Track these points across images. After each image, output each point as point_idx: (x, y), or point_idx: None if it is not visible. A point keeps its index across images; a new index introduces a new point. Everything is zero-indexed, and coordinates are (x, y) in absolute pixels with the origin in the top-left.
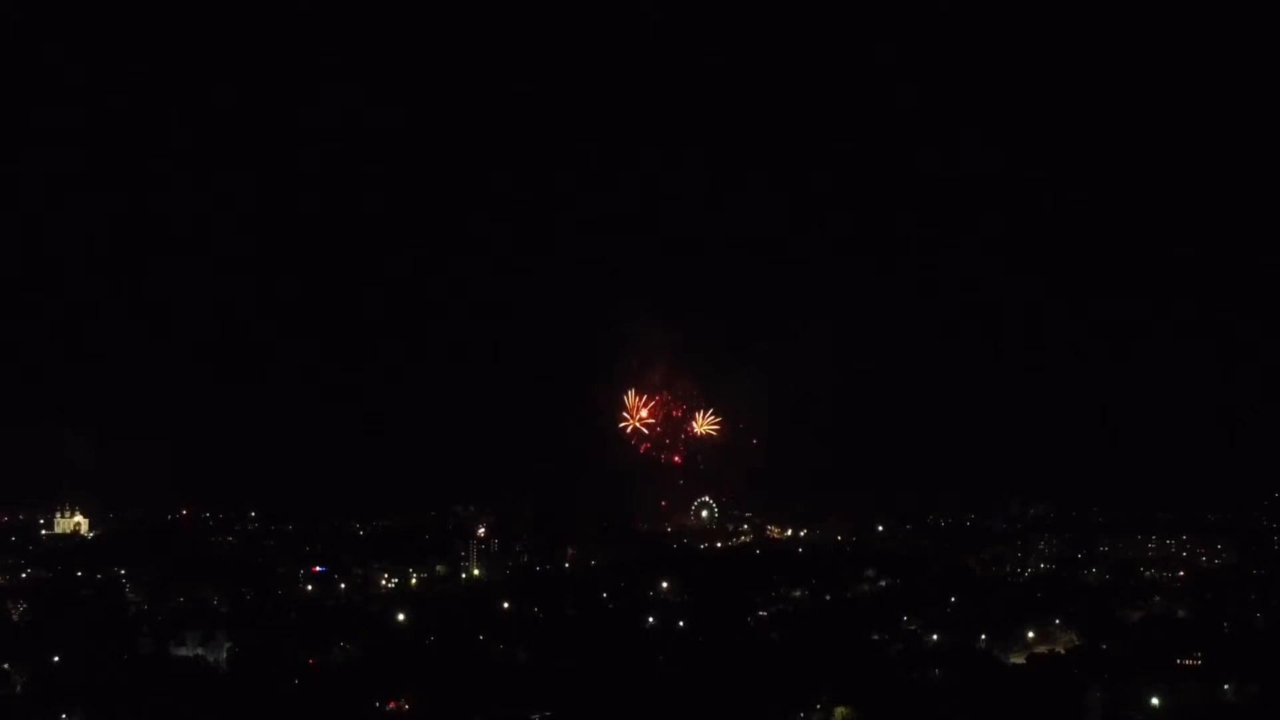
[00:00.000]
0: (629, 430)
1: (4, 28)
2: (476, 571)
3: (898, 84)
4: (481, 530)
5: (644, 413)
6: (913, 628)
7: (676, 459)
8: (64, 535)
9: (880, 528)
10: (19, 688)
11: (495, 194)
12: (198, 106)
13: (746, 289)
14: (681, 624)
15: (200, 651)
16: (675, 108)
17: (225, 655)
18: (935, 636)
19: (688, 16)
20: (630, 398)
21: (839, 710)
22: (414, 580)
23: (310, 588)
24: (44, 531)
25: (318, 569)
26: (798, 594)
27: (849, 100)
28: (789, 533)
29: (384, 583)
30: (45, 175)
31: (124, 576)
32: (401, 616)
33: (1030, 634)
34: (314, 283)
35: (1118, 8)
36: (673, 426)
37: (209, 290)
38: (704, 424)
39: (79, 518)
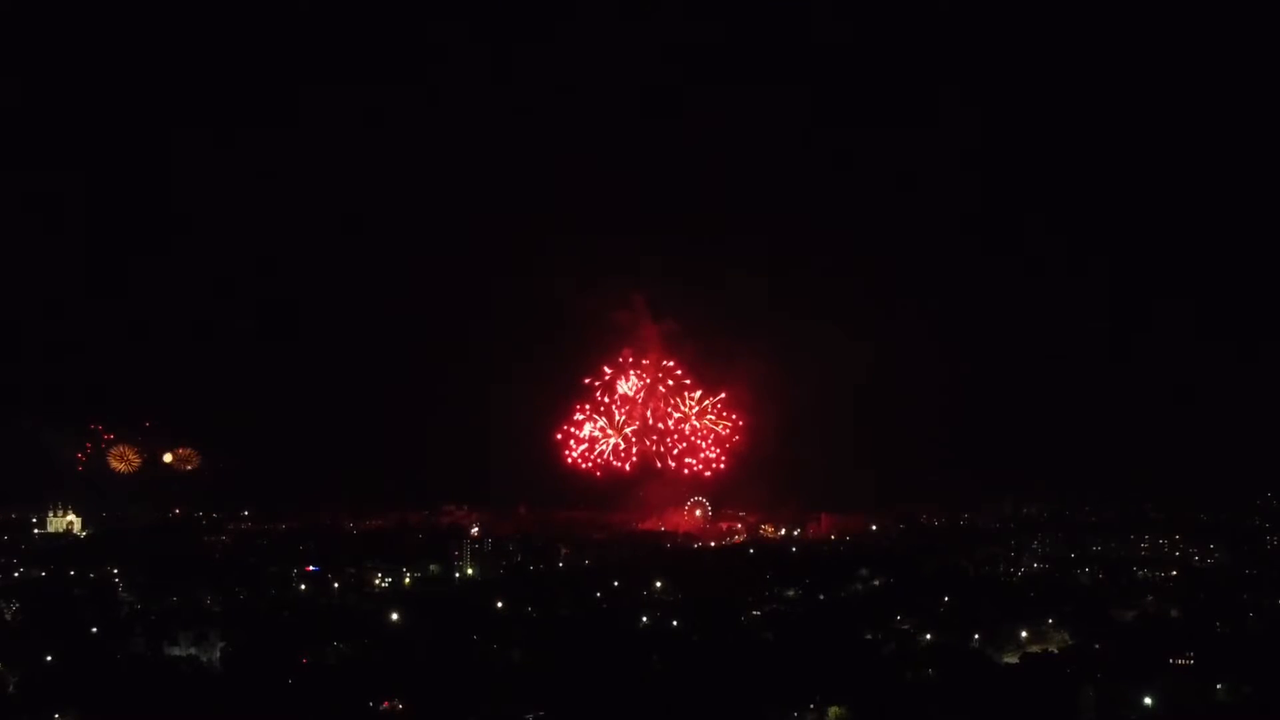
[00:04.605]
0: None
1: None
2: (470, 571)
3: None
4: (475, 530)
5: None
6: (906, 627)
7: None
8: (56, 534)
9: (874, 527)
10: (12, 687)
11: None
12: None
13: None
14: (675, 623)
15: (193, 651)
16: None
17: (218, 655)
18: (928, 636)
19: None
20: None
21: (832, 710)
22: (407, 580)
23: (303, 587)
24: (36, 530)
25: (311, 568)
26: (791, 593)
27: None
28: (782, 532)
29: (377, 582)
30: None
31: (117, 576)
32: (395, 616)
33: (1023, 634)
34: (309, 278)
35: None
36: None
37: (202, 286)
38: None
39: (71, 516)
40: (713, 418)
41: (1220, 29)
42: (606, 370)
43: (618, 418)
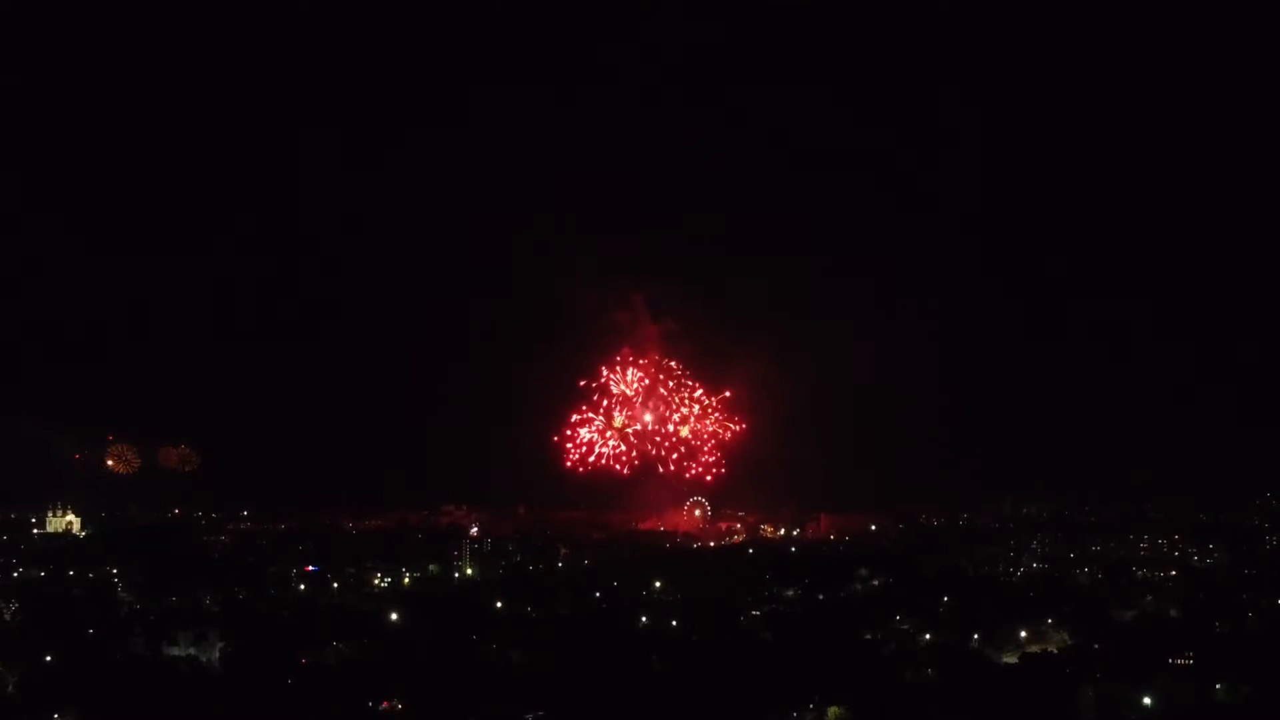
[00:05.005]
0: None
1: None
2: (469, 571)
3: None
4: (474, 530)
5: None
6: (905, 627)
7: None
8: (56, 534)
9: (873, 527)
10: (11, 687)
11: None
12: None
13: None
14: (674, 623)
15: (193, 651)
16: None
17: (218, 655)
18: (928, 636)
19: None
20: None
21: (832, 710)
22: (407, 580)
23: (303, 587)
24: (35, 530)
25: (310, 568)
26: (790, 593)
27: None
28: (782, 532)
29: (376, 582)
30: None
31: (116, 576)
32: (394, 616)
33: (1023, 633)
34: (308, 278)
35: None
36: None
37: (203, 286)
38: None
39: (71, 516)
40: (717, 415)
41: (1219, 27)
42: (605, 371)
43: (617, 418)
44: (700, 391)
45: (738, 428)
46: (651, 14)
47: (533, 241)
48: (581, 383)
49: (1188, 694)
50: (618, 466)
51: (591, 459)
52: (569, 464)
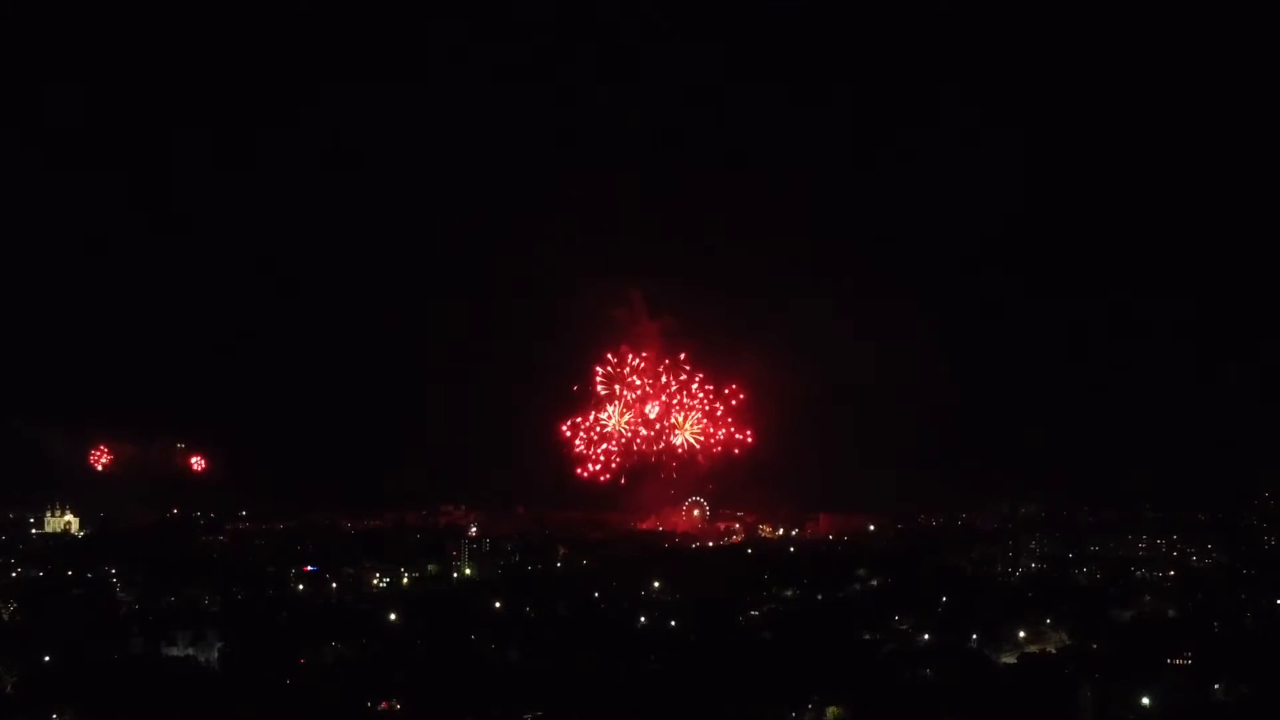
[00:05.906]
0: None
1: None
2: (468, 571)
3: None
4: (473, 530)
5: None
6: (904, 627)
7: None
8: (54, 534)
9: (871, 527)
10: (9, 687)
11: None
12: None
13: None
14: (673, 623)
15: (191, 651)
16: None
17: (216, 655)
18: (926, 636)
19: None
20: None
21: (830, 710)
22: (405, 580)
23: (301, 587)
24: (34, 530)
25: (309, 568)
26: (789, 593)
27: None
28: (780, 532)
29: (375, 582)
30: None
31: (115, 576)
32: (393, 616)
33: (1021, 633)
34: (308, 278)
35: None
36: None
37: (203, 286)
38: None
39: (69, 516)
40: (726, 421)
41: (1221, 27)
42: (604, 370)
43: (616, 417)
44: (702, 395)
45: (743, 438)
46: (651, 13)
47: (533, 241)
48: (585, 381)
49: (1186, 694)
50: (617, 464)
51: (590, 460)
52: (569, 460)
